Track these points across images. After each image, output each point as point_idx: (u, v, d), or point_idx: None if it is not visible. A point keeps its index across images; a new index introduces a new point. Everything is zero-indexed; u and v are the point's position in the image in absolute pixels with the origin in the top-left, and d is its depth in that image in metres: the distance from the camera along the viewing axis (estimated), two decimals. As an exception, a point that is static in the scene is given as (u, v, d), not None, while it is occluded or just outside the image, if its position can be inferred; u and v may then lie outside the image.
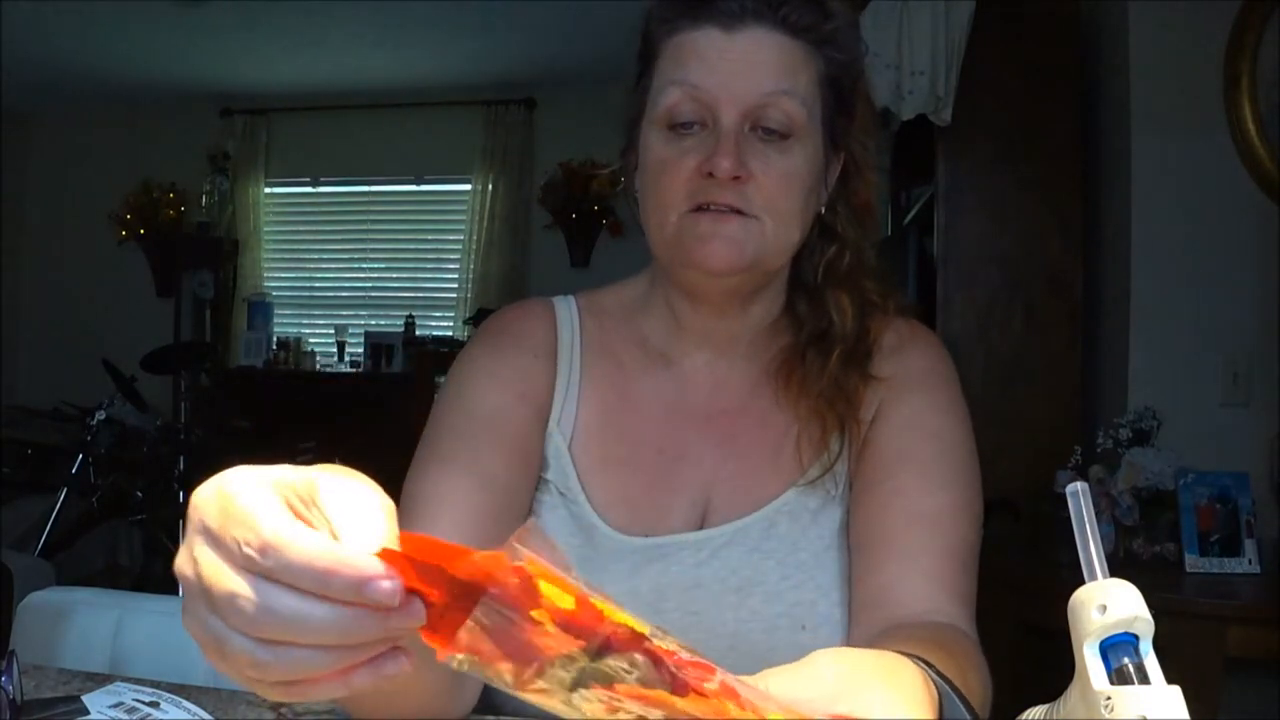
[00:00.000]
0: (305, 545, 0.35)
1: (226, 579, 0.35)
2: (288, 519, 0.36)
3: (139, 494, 4.00)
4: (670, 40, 0.82)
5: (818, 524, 0.84)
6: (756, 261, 0.80)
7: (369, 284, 5.49)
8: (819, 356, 0.85)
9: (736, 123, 0.78)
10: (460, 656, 0.35)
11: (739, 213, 0.78)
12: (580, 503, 0.85)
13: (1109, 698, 0.39)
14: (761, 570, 0.82)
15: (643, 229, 0.87)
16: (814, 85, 0.81)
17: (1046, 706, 0.46)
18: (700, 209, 0.78)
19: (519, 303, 0.95)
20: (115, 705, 0.73)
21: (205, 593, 0.36)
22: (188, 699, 0.76)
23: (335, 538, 0.36)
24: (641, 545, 0.83)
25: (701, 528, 0.85)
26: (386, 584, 0.34)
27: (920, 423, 0.84)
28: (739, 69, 0.78)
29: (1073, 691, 0.42)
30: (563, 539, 0.84)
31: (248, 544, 0.35)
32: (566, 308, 0.93)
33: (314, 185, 5.49)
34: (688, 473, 0.86)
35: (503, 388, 0.86)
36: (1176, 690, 0.39)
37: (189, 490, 3.98)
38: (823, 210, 0.86)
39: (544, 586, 0.35)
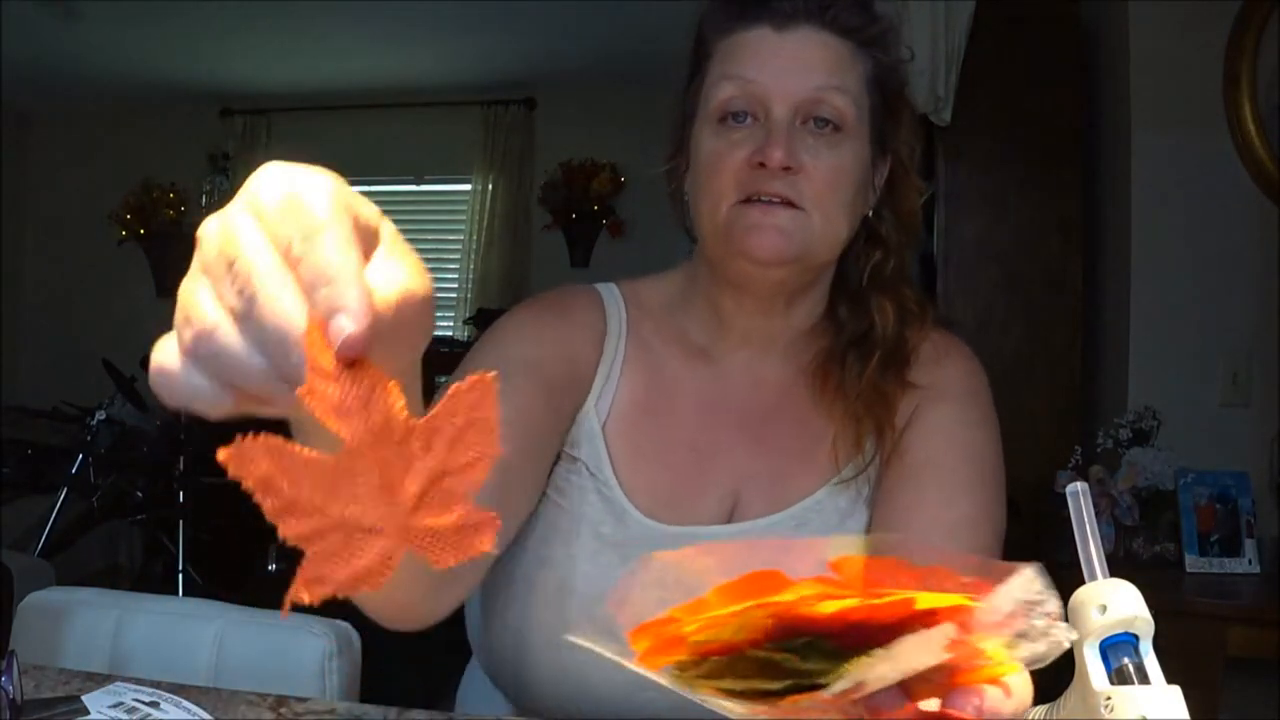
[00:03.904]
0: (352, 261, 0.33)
1: (253, 249, 0.33)
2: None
3: (139, 494, 3.99)
4: (724, 41, 0.84)
5: (844, 527, 0.85)
6: (804, 253, 0.81)
7: (369, 284, 5.49)
8: (859, 359, 0.86)
9: (788, 116, 0.80)
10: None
11: (789, 204, 0.79)
12: (612, 485, 0.85)
13: (1109, 698, 0.39)
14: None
15: (689, 230, 0.89)
16: (862, 85, 0.83)
17: (1046, 706, 0.46)
18: (750, 200, 0.79)
19: (565, 285, 0.95)
20: (115, 705, 0.73)
21: (221, 255, 0.34)
22: (188, 699, 0.76)
23: None
24: (672, 533, 0.83)
25: (730, 522, 0.85)
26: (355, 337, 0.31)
27: (949, 432, 0.85)
28: (791, 65, 0.81)
29: (1073, 691, 0.42)
30: (594, 519, 0.84)
31: (299, 225, 0.33)
32: (610, 294, 0.94)
33: (314, 185, 5.49)
34: (719, 469, 0.87)
35: (547, 345, 0.86)
36: (1176, 690, 0.39)
37: (189, 490, 3.98)
38: (870, 214, 0.87)
39: None
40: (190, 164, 5.31)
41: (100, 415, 3.90)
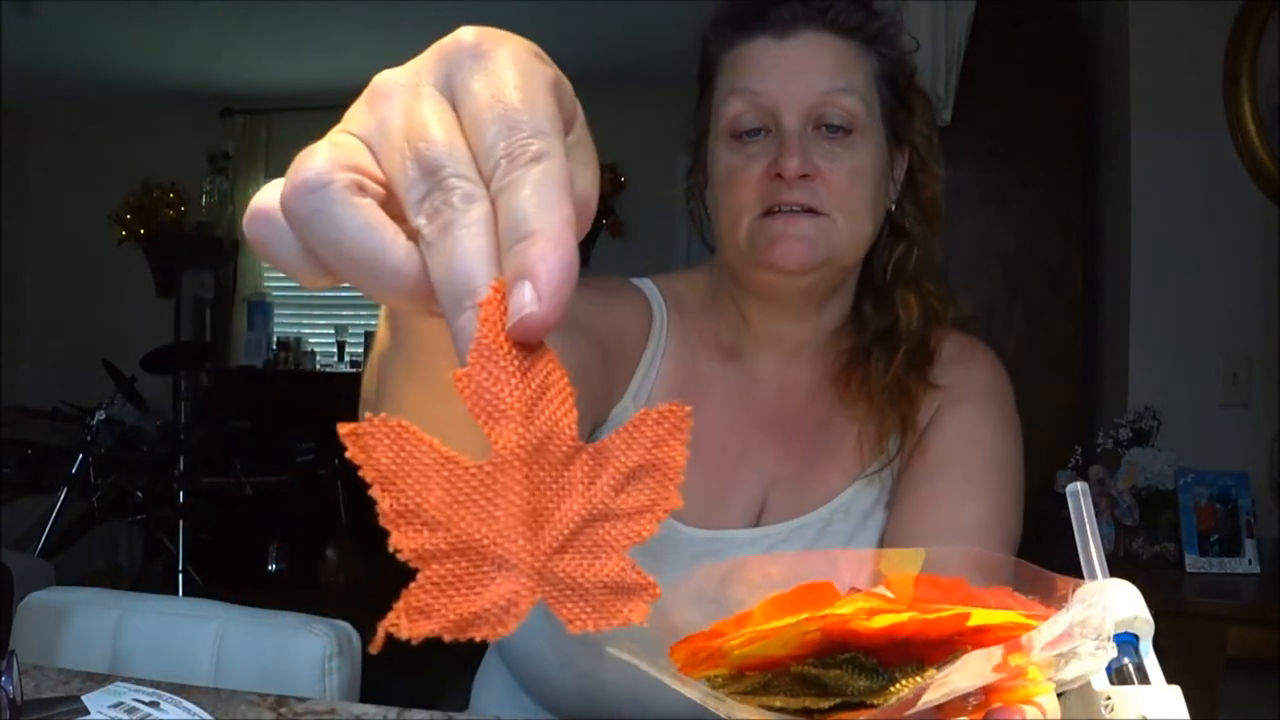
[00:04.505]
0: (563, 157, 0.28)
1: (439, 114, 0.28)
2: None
3: (139, 494, 3.99)
4: (726, 56, 0.85)
5: (866, 528, 0.85)
6: (830, 259, 0.81)
7: (369, 284, 5.48)
8: (884, 354, 0.86)
9: (799, 123, 0.80)
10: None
11: (811, 211, 0.79)
12: None
13: (1109, 698, 0.39)
14: None
15: (710, 243, 0.89)
16: (870, 82, 0.83)
17: (1046, 706, 0.46)
18: (771, 212, 0.79)
19: (606, 275, 0.94)
20: (115, 705, 0.73)
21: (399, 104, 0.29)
22: (188, 699, 0.76)
23: None
24: (699, 537, 0.84)
25: (757, 525, 0.85)
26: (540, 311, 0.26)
27: (969, 432, 0.85)
28: (795, 72, 0.81)
29: (1073, 691, 0.42)
30: None
31: (513, 141, 0.28)
32: (650, 289, 0.93)
33: (314, 185, 5.48)
34: (747, 472, 0.87)
35: (603, 319, 0.84)
36: (1176, 690, 0.39)
37: (189, 490, 3.98)
38: (891, 208, 0.87)
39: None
40: (190, 164, 5.31)
41: (100, 415, 3.90)
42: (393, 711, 0.79)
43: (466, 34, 0.30)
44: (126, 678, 0.79)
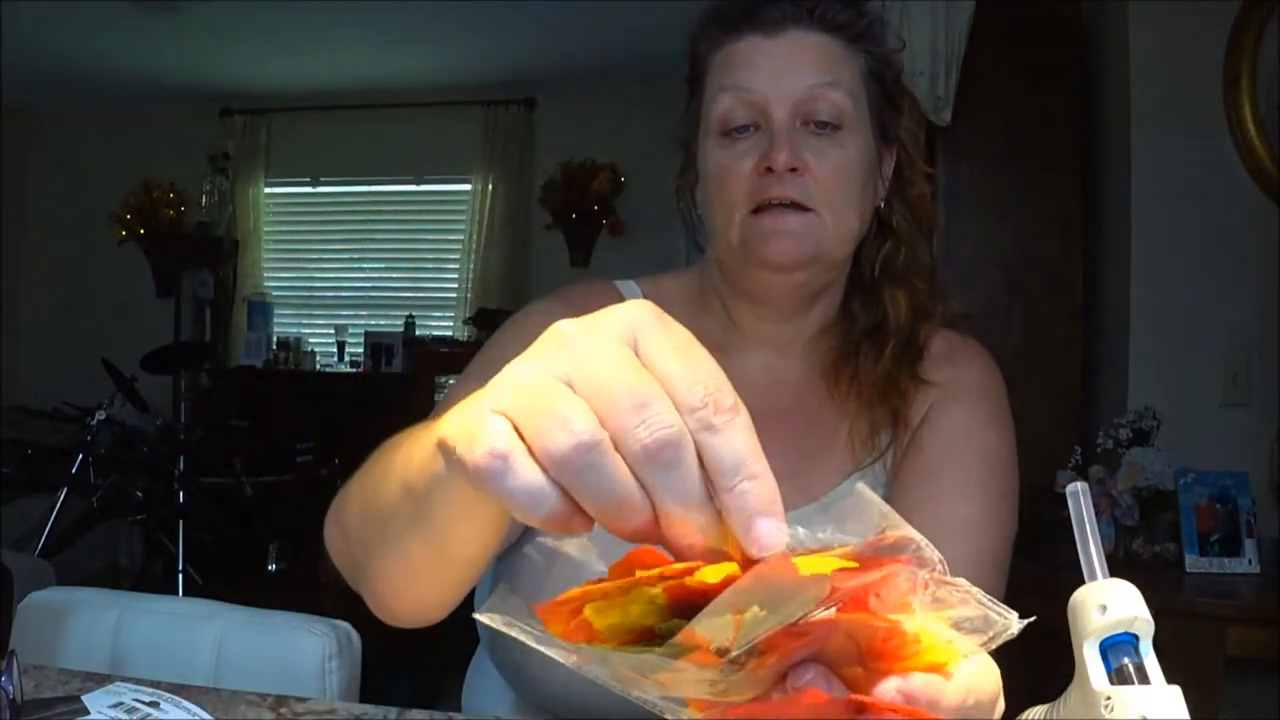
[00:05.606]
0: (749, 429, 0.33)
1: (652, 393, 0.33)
2: None
3: (139, 494, 3.99)
4: (716, 55, 0.86)
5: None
6: (819, 255, 0.82)
7: (369, 284, 5.48)
8: (873, 350, 0.86)
9: (788, 118, 0.81)
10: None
11: (799, 207, 0.80)
12: None
13: (1109, 698, 0.39)
14: None
15: (701, 244, 0.90)
16: (858, 79, 0.84)
17: (1046, 706, 0.46)
18: (761, 210, 0.80)
19: (586, 282, 0.95)
20: (115, 705, 0.73)
21: (603, 389, 0.33)
22: (188, 699, 0.76)
23: None
24: None
25: None
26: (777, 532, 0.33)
27: (964, 431, 0.85)
28: (784, 67, 0.82)
29: (1073, 691, 0.42)
30: None
31: (710, 391, 0.33)
32: (631, 292, 0.94)
33: (314, 185, 5.49)
34: None
35: None
36: (1176, 690, 0.39)
37: (189, 490, 3.98)
38: (880, 205, 0.88)
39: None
40: (190, 164, 5.31)
41: (100, 415, 3.90)
42: (393, 711, 0.79)
43: (631, 305, 0.36)
44: (126, 678, 0.79)
